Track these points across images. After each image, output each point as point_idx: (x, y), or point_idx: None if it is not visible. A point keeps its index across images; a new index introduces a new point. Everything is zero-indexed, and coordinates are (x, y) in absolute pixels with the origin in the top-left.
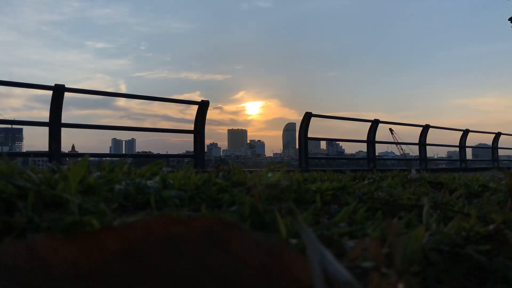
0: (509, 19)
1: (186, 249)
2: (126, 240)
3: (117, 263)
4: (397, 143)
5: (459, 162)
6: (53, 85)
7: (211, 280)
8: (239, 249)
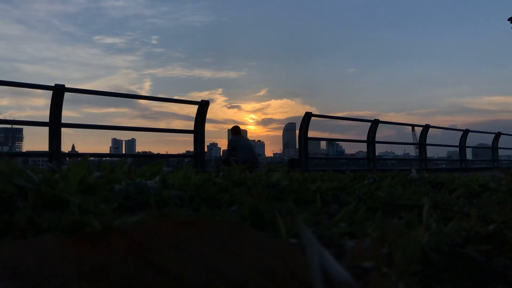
0: (508, 19)
1: (193, 251)
2: (133, 241)
3: (124, 264)
4: (398, 143)
5: (459, 162)
6: (53, 85)
7: (218, 282)
8: (246, 252)
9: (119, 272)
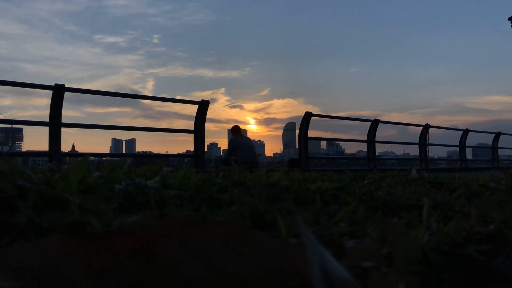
0: (508, 19)
1: (200, 252)
2: (140, 242)
3: (131, 264)
4: (398, 143)
5: (459, 162)
6: (53, 84)
7: (226, 282)
8: (252, 252)
9: (126, 273)
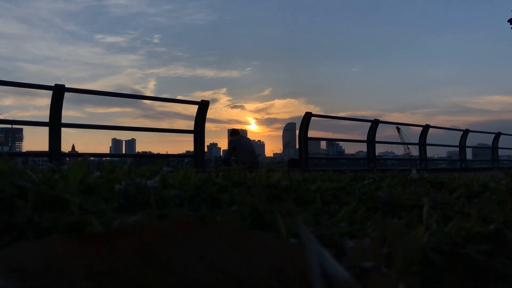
0: (508, 21)
1: (203, 252)
2: (141, 242)
3: (133, 264)
4: (398, 143)
5: (459, 162)
6: (53, 85)
7: (229, 281)
8: (254, 252)
9: (127, 272)
